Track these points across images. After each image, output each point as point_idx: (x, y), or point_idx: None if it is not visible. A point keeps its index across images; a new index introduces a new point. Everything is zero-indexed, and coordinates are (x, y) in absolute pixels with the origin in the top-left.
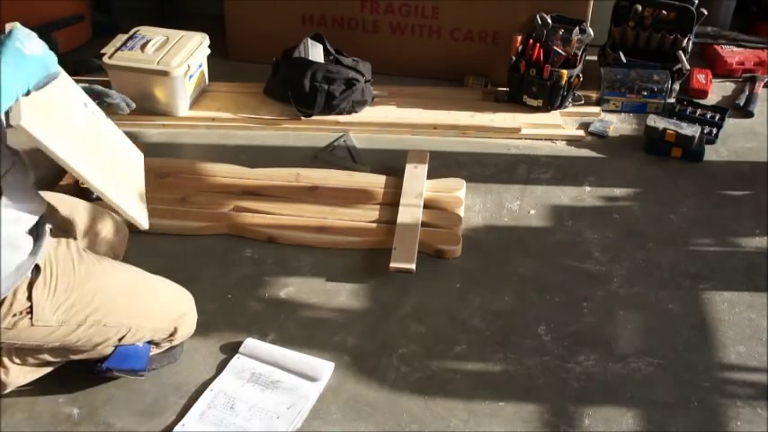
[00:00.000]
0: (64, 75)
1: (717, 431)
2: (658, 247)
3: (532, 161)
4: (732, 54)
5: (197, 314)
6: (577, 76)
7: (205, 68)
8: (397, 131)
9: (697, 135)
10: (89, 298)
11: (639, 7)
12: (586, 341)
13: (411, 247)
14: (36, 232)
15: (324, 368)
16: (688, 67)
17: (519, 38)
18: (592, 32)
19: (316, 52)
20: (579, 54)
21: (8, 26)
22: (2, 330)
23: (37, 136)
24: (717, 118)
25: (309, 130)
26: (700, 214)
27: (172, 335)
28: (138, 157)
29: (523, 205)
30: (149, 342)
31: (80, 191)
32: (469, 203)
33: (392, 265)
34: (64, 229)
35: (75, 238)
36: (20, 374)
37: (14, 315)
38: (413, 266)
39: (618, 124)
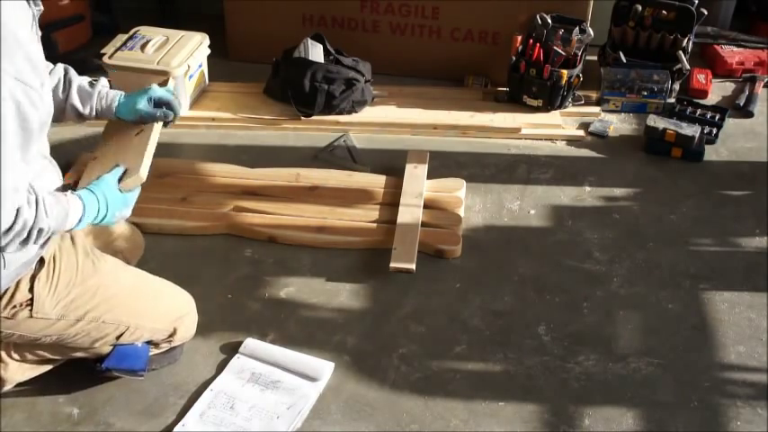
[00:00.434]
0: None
1: (717, 431)
2: (658, 247)
3: (532, 161)
4: (732, 54)
5: (197, 315)
6: (577, 76)
7: (205, 68)
8: (397, 131)
9: (697, 135)
10: (90, 294)
11: (639, 7)
12: (586, 341)
13: (411, 247)
14: None
15: (324, 368)
16: (688, 67)
17: (519, 38)
18: (592, 32)
19: (316, 52)
20: (579, 54)
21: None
22: (0, 320)
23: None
24: (717, 118)
25: (309, 130)
26: (700, 214)
27: (171, 336)
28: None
29: (523, 205)
30: (148, 342)
31: None
32: (469, 203)
33: (392, 265)
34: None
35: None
36: (18, 371)
37: (15, 306)
38: (413, 266)
39: (618, 124)
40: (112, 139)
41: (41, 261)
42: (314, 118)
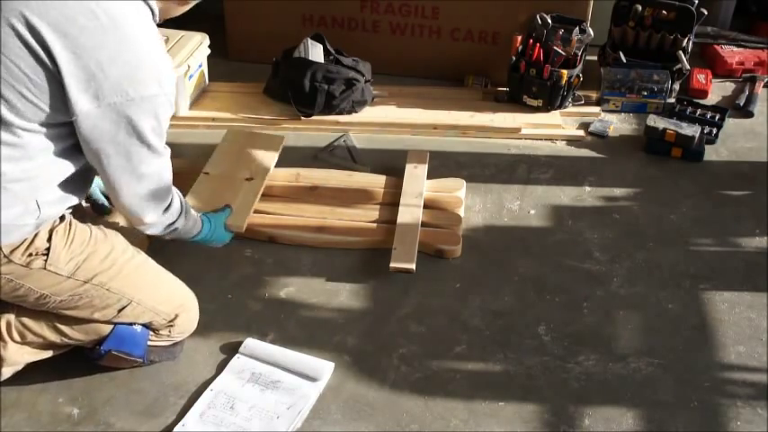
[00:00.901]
0: None
1: (717, 431)
2: (658, 247)
3: (532, 161)
4: (732, 54)
5: (198, 314)
6: (577, 76)
7: (205, 68)
8: (397, 131)
9: (697, 135)
10: (101, 258)
11: (639, 7)
12: (586, 341)
13: (411, 247)
14: None
15: (324, 368)
16: (688, 67)
17: (519, 38)
18: (592, 32)
19: (316, 52)
20: (579, 54)
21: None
22: (13, 269)
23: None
24: (717, 118)
25: (309, 130)
26: (700, 214)
27: (171, 322)
28: None
29: (523, 205)
30: (148, 328)
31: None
32: (469, 203)
33: (392, 265)
34: None
35: None
36: (17, 353)
37: (31, 254)
38: (413, 266)
39: (618, 124)
40: (224, 163)
41: (62, 218)
42: (314, 118)
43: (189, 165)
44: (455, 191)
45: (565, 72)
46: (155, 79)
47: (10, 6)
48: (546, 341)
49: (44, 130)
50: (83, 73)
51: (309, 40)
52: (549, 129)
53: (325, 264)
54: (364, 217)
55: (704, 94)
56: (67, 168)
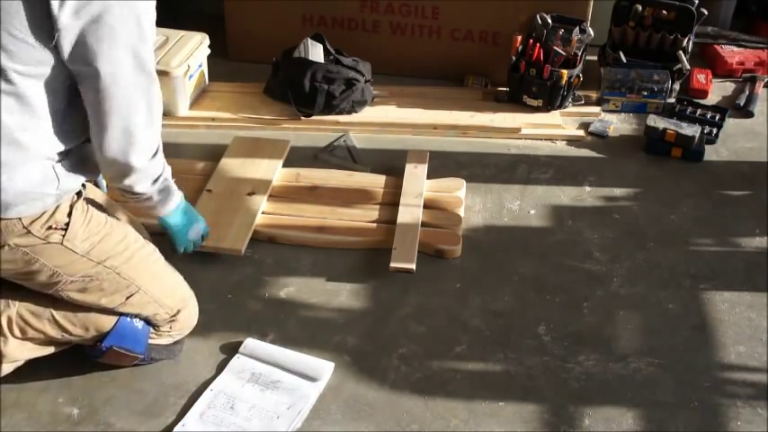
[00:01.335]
0: None
1: (717, 431)
2: (658, 247)
3: (532, 161)
4: (732, 54)
5: (198, 314)
6: (577, 76)
7: (205, 68)
8: (397, 131)
9: (697, 135)
10: (116, 241)
11: (639, 7)
12: (586, 341)
13: (411, 247)
14: None
15: (324, 368)
16: (688, 67)
17: (519, 38)
18: (592, 32)
19: (316, 52)
20: (579, 54)
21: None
22: (31, 242)
23: None
24: (717, 118)
25: (309, 130)
26: (700, 214)
27: (174, 317)
28: None
29: (523, 205)
30: (149, 324)
31: None
32: (469, 203)
33: (392, 265)
34: None
35: None
36: (18, 349)
37: (50, 227)
38: (413, 266)
39: (618, 124)
40: (227, 178)
41: (79, 194)
42: (314, 118)
43: (189, 165)
44: (455, 191)
45: (565, 72)
46: None
47: None
48: (546, 341)
49: (38, 71)
50: None
51: (309, 40)
52: (549, 129)
53: (325, 264)
54: (364, 217)
55: (704, 94)
56: (73, 130)
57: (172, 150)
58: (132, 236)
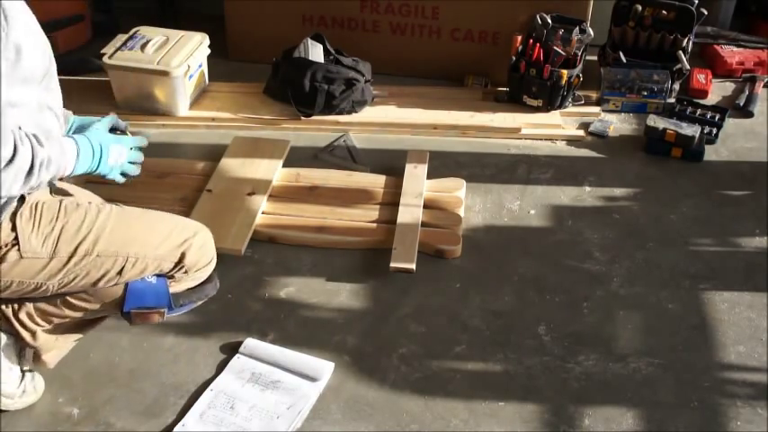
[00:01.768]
0: None
1: (717, 431)
2: (658, 247)
3: (532, 161)
4: (732, 54)
5: (209, 244)
6: (577, 76)
7: (205, 68)
8: (397, 131)
9: (697, 135)
10: (76, 226)
11: (639, 7)
12: (586, 341)
13: (411, 247)
14: None
15: (324, 368)
16: (688, 67)
17: (519, 38)
18: (592, 32)
19: (316, 52)
20: (579, 54)
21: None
22: None
23: None
24: (717, 118)
25: (309, 130)
26: (700, 214)
27: (180, 263)
28: None
29: (523, 205)
30: (162, 276)
31: None
32: (469, 203)
33: (392, 265)
34: None
35: None
36: (50, 340)
37: (0, 248)
38: (413, 266)
39: (618, 124)
40: (227, 178)
41: (22, 199)
42: (314, 118)
43: (189, 165)
44: (455, 191)
45: (565, 72)
46: None
47: None
48: (546, 341)
49: None
50: None
51: (309, 40)
52: (549, 129)
53: (325, 264)
54: (364, 217)
55: (704, 94)
56: None
57: (172, 150)
58: (93, 210)
